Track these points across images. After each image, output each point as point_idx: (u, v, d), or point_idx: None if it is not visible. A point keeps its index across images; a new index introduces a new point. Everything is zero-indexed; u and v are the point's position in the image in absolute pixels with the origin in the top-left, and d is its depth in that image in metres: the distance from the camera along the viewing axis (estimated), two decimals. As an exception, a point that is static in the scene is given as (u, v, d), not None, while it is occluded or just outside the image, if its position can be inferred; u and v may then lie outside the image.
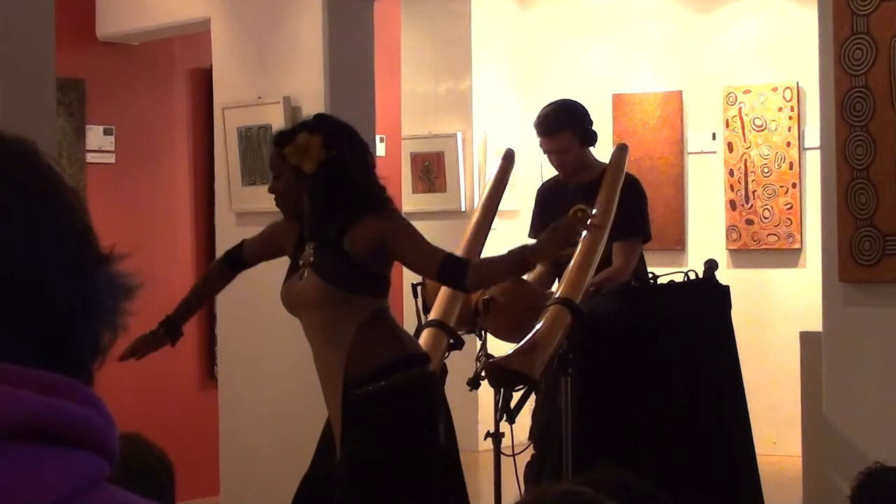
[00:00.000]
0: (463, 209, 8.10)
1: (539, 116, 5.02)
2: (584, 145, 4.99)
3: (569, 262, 4.45)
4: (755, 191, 8.09)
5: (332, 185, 3.72)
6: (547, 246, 3.66)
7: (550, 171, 5.34)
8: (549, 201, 5.00)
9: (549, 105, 5.10)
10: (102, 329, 0.92)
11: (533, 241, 5.17)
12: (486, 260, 3.93)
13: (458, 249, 4.56)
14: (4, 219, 0.89)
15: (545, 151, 5.07)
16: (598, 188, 4.77)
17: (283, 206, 3.86)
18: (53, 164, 0.95)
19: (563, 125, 4.93)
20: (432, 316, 4.33)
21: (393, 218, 3.76)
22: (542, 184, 5.37)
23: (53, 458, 0.83)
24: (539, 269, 5.07)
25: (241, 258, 4.08)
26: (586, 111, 5.09)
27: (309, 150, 3.73)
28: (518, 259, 3.67)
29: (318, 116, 3.90)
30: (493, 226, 4.86)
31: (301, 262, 3.80)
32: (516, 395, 4.16)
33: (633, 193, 4.95)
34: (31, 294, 0.88)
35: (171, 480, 2.15)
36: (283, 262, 5.77)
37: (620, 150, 4.99)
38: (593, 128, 5.05)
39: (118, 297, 0.93)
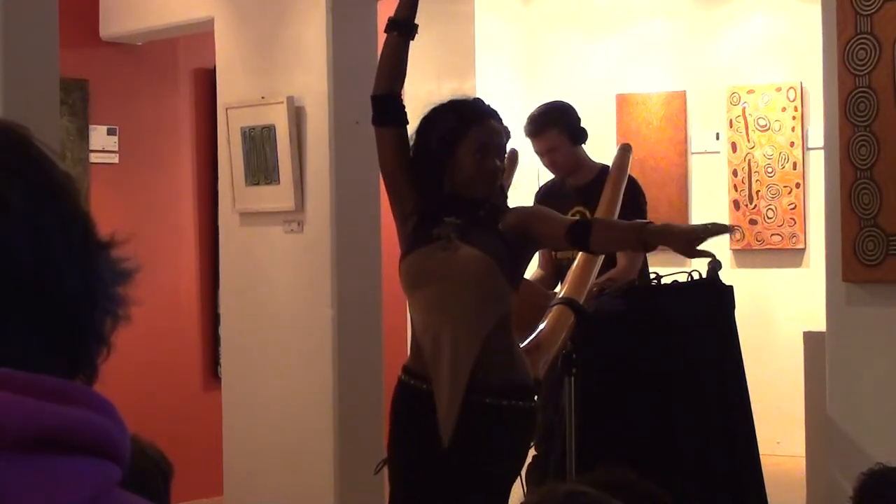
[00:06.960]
0: (466, 209, 8.08)
1: (526, 120, 5.12)
2: (575, 143, 5.07)
3: (571, 262, 4.46)
4: (759, 191, 8.09)
5: None
6: (674, 242, 3.52)
7: (547, 175, 5.39)
8: (548, 202, 5.01)
9: (536, 108, 5.19)
10: (104, 317, 0.92)
11: None
12: (609, 225, 3.91)
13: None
14: (3, 210, 0.88)
15: (537, 153, 5.15)
16: (596, 188, 4.80)
17: (495, 181, 3.70)
18: (46, 151, 0.93)
19: (549, 124, 5.03)
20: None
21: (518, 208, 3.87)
22: (542, 185, 5.45)
23: (73, 468, 0.82)
24: (540, 270, 5.08)
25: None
26: (573, 109, 5.16)
27: None
28: (640, 240, 3.60)
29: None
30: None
31: (435, 234, 3.63)
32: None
33: (637, 195, 4.97)
34: (35, 285, 0.88)
35: (167, 484, 2.09)
36: (285, 267, 5.78)
37: (624, 150, 5.00)
38: (582, 125, 5.11)
39: (118, 283, 0.92)
